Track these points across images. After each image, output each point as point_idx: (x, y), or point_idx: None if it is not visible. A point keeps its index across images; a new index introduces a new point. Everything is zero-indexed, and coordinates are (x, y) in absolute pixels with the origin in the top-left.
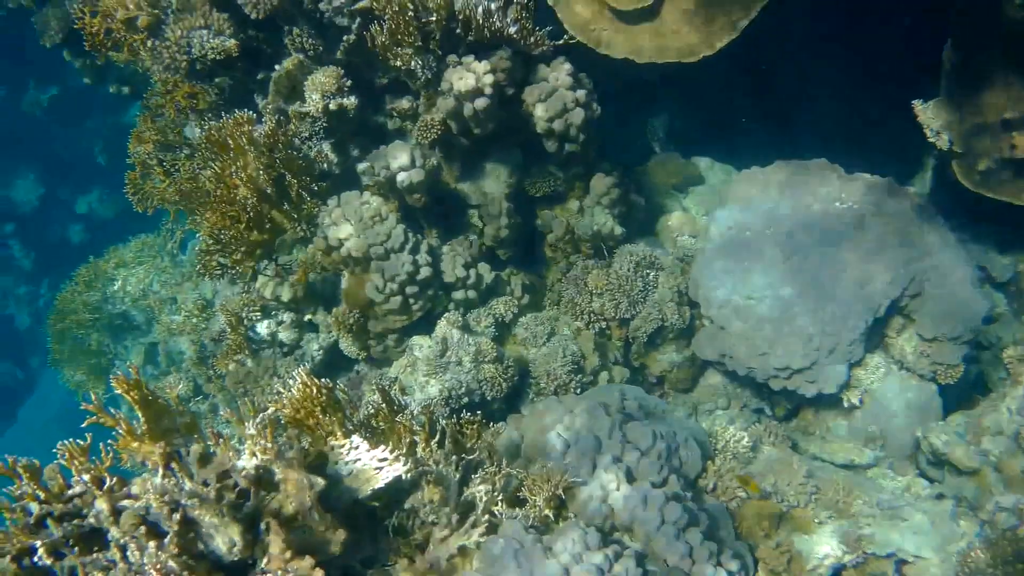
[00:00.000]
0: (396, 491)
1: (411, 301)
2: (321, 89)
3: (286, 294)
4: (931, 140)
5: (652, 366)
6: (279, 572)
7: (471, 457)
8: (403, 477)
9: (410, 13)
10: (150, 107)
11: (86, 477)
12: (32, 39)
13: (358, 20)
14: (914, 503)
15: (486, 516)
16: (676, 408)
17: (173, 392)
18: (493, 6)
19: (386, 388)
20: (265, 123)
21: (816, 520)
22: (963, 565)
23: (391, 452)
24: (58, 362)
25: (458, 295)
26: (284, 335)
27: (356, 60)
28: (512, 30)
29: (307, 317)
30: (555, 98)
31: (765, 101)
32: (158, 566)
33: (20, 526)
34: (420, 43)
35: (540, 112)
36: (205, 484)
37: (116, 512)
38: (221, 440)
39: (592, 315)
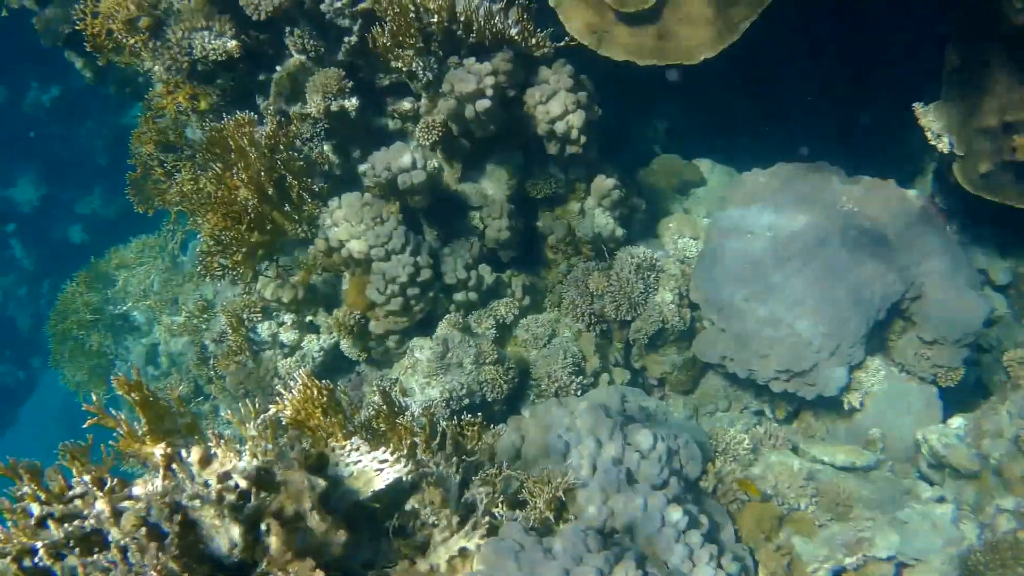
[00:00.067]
0: (397, 493)
1: (412, 303)
2: (322, 90)
3: (287, 295)
4: (932, 143)
5: (653, 368)
6: (280, 573)
7: (472, 459)
8: (404, 479)
9: (411, 15)
10: (151, 108)
11: (87, 478)
12: (33, 40)
13: (360, 21)
14: (914, 506)
15: (487, 518)
16: (677, 410)
17: (174, 393)
18: (495, 8)
19: (387, 390)
20: (266, 124)
21: (816, 523)
22: (964, 568)
23: (392, 454)
24: (59, 363)
25: (459, 297)
26: (285, 336)
27: (358, 61)
28: (513, 32)
29: (308, 318)
30: (556, 100)
31: (766, 103)
32: (159, 567)
33: (21, 527)
34: (421, 44)
35: (541, 114)
36: (206, 485)
37: (117, 513)
38: (222, 441)
39: (593, 317)
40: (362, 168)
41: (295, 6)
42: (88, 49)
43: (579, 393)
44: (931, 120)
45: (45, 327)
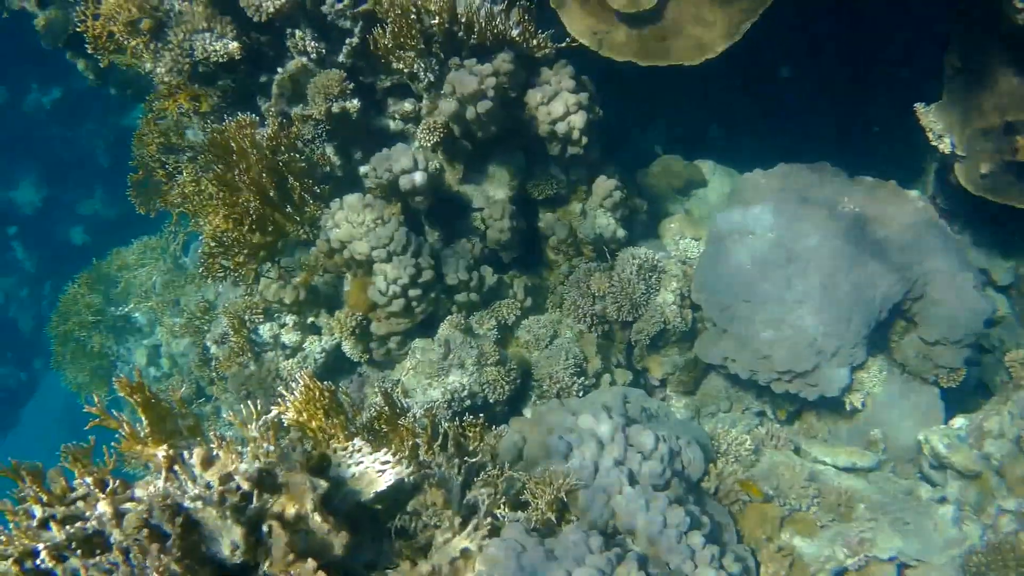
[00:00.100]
0: (399, 494)
1: (414, 304)
2: (324, 92)
3: (289, 297)
4: (934, 143)
5: (654, 369)
6: (282, 575)
7: (474, 460)
8: (405, 480)
9: (413, 16)
10: (153, 109)
11: (89, 480)
12: (34, 41)
13: (361, 23)
14: (916, 507)
15: (488, 519)
16: (678, 411)
17: (176, 394)
18: (496, 9)
19: (388, 391)
20: (268, 126)
21: (818, 523)
22: (965, 569)
23: (394, 455)
24: (61, 364)
25: (460, 298)
26: (287, 338)
27: (359, 63)
28: (515, 33)
29: (310, 320)
30: (558, 101)
31: (767, 103)
32: (160, 569)
33: (23, 528)
34: (423, 46)
35: (543, 115)
36: (208, 487)
37: (119, 515)
38: (224, 443)
39: (595, 318)
40: (363, 169)
41: (296, 8)
42: (89, 51)
43: (581, 394)
44: (932, 120)
45: (47, 329)
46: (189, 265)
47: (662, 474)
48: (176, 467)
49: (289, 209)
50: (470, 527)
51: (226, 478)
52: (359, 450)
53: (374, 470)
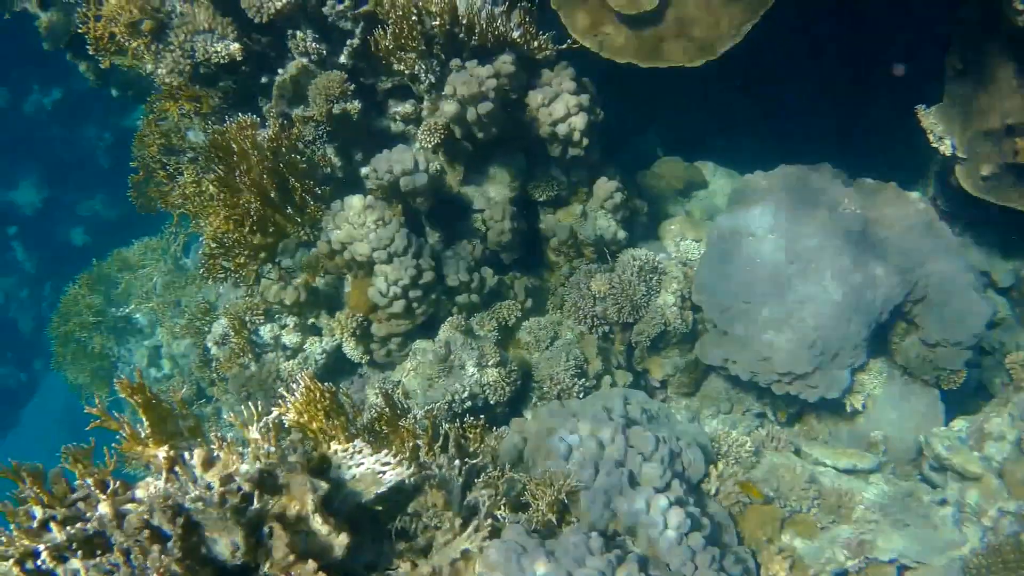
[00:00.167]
0: (399, 495)
1: (414, 305)
2: (325, 93)
3: (290, 298)
4: (934, 145)
5: (655, 370)
6: None
7: (474, 461)
8: (406, 481)
9: (414, 18)
10: (154, 111)
11: (90, 481)
12: (35, 42)
13: (362, 24)
14: (917, 509)
15: (489, 520)
16: (679, 412)
17: (177, 395)
18: (497, 10)
19: (389, 392)
20: (269, 127)
21: (819, 525)
22: (966, 571)
23: (394, 456)
24: (61, 365)
25: (461, 299)
26: (287, 339)
27: (360, 64)
28: (516, 34)
29: (310, 321)
30: (558, 102)
31: (767, 104)
32: (161, 570)
33: (23, 529)
34: (424, 47)
35: (544, 116)
36: (209, 488)
37: (119, 516)
38: (225, 444)
39: (595, 319)
40: (364, 171)
41: (297, 9)
42: (91, 52)
43: (581, 396)
44: (933, 122)
45: (47, 329)
46: (190, 266)
47: (662, 476)
48: (177, 468)
49: (290, 210)
50: (471, 528)
51: (227, 479)
52: (360, 451)
53: (375, 471)
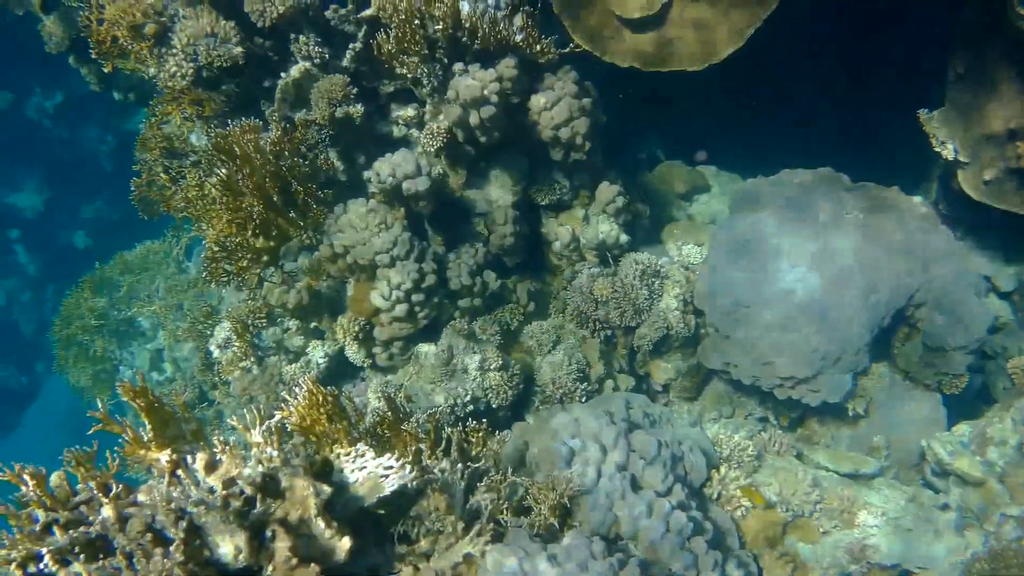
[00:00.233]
0: (402, 499)
1: (417, 309)
2: (327, 96)
3: (292, 301)
4: (937, 150)
5: (657, 374)
6: None
7: (477, 465)
8: (409, 485)
9: (416, 21)
10: (156, 114)
11: (92, 484)
12: (37, 45)
13: (364, 28)
14: (919, 513)
15: (491, 524)
16: (681, 416)
17: (179, 399)
18: (499, 14)
19: (392, 396)
20: (271, 130)
21: (821, 530)
22: None
23: (397, 460)
24: (63, 368)
25: (464, 303)
26: (290, 342)
27: (362, 68)
28: (518, 38)
29: (313, 324)
30: (561, 106)
31: (770, 109)
32: (164, 573)
33: (26, 533)
34: (426, 51)
35: (546, 120)
36: (211, 491)
37: (122, 519)
38: (227, 447)
39: (597, 323)
40: (367, 174)
41: (300, 13)
42: (93, 55)
43: (583, 399)
44: (936, 127)
45: (49, 332)
46: (192, 269)
47: (664, 480)
48: (179, 471)
49: (293, 214)
50: (473, 532)
51: (229, 483)
52: (362, 455)
53: (377, 475)
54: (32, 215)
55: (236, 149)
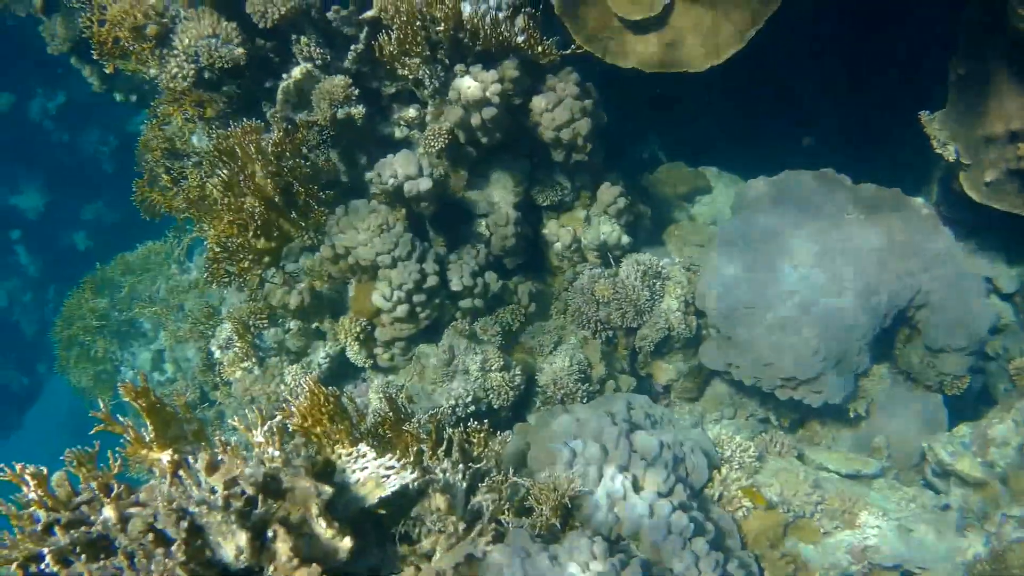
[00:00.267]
0: (403, 499)
1: (418, 309)
2: (329, 98)
3: (293, 302)
4: (938, 151)
5: (658, 375)
6: None
7: (478, 466)
8: (410, 485)
9: (418, 23)
10: (158, 115)
11: (93, 484)
12: (39, 46)
13: (366, 29)
14: (920, 514)
15: (493, 525)
16: (682, 417)
17: (181, 399)
18: (501, 16)
19: (393, 396)
20: (273, 131)
21: (822, 530)
22: None
23: (398, 460)
24: (65, 368)
25: (465, 303)
26: (291, 343)
27: (364, 69)
28: (520, 40)
29: (314, 325)
30: (562, 108)
31: (772, 110)
32: (165, 573)
33: (27, 533)
34: (428, 53)
35: (547, 121)
36: (213, 492)
37: (123, 519)
38: (229, 448)
39: (599, 324)
40: (368, 175)
41: (302, 14)
42: (95, 57)
43: (585, 400)
44: (937, 128)
45: (50, 333)
46: (194, 270)
47: (666, 480)
48: (181, 472)
49: (294, 215)
50: (474, 532)
51: (231, 483)
52: (364, 455)
53: (378, 475)
54: (33, 216)
55: (238, 150)
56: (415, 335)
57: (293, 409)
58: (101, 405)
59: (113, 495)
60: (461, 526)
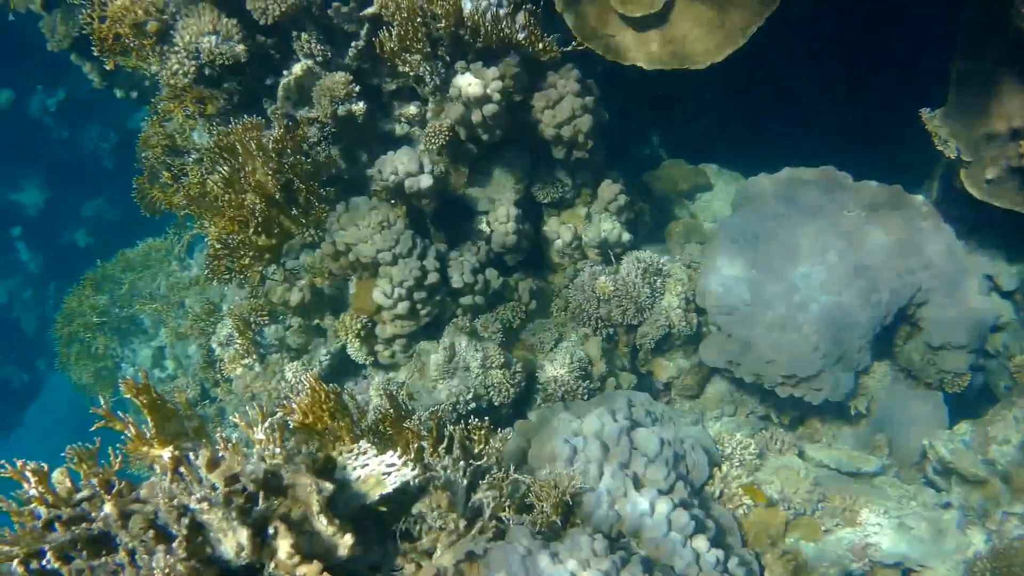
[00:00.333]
0: (404, 496)
1: (419, 307)
2: (330, 94)
3: (294, 299)
4: (939, 148)
5: (659, 372)
6: None
7: (479, 463)
8: (411, 482)
9: (419, 19)
10: (158, 112)
11: (94, 481)
12: (39, 43)
13: (367, 26)
14: (921, 512)
15: (493, 522)
16: (683, 415)
17: (181, 396)
18: (502, 12)
19: (394, 393)
20: (274, 128)
21: (823, 528)
22: (970, 574)
23: (399, 457)
24: (65, 365)
25: (466, 300)
26: (292, 340)
27: (365, 66)
28: (520, 36)
29: (315, 322)
30: (563, 104)
31: (772, 107)
32: (166, 570)
33: (28, 530)
34: (429, 49)
35: (548, 118)
36: (214, 488)
37: (124, 516)
38: (230, 444)
39: (599, 321)
40: (369, 172)
41: (302, 10)
42: (95, 53)
43: (585, 397)
44: (938, 125)
45: (51, 330)
46: (194, 267)
47: (667, 478)
48: (182, 468)
49: (295, 211)
50: (475, 530)
51: (232, 480)
52: (364, 452)
53: (379, 472)
54: (34, 213)
55: (238, 147)
56: (416, 332)
57: (294, 406)
58: (102, 402)
59: (114, 492)
60: (462, 523)
